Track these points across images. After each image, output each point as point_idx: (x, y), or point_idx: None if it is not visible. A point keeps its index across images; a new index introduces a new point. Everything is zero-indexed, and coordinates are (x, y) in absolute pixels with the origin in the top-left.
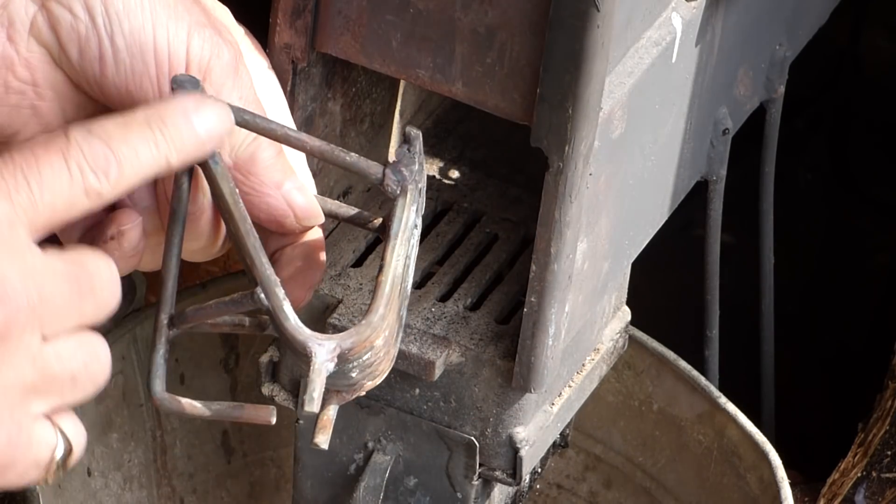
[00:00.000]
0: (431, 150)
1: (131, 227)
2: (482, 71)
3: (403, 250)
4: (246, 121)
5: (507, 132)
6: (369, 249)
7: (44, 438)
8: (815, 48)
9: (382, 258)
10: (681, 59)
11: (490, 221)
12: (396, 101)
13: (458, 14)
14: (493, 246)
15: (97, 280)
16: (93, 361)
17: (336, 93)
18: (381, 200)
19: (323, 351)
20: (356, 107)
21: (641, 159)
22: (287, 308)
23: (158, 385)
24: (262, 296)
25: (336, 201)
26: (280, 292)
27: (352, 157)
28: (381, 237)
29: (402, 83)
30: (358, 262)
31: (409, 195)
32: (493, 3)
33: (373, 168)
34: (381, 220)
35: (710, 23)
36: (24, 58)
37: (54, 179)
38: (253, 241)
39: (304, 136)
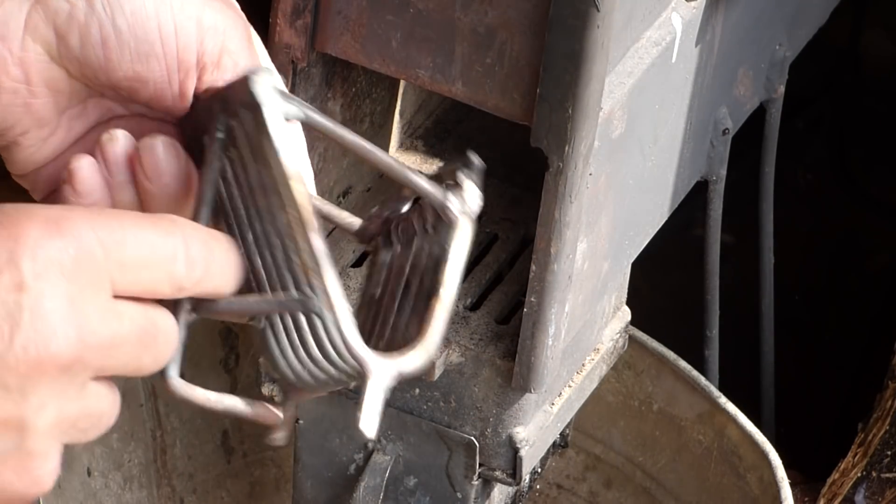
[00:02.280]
0: (431, 150)
1: (81, 168)
2: (482, 71)
3: (459, 279)
4: (312, 119)
5: (507, 132)
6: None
7: (54, 468)
8: (815, 48)
9: (438, 282)
10: (681, 59)
11: (490, 221)
12: (396, 101)
13: (458, 14)
14: (493, 246)
15: (161, 336)
16: (115, 406)
17: (336, 93)
18: (380, 201)
19: (384, 375)
20: (356, 107)
21: (641, 159)
22: (351, 323)
23: (173, 370)
24: (321, 306)
25: (337, 207)
26: (345, 306)
27: (416, 178)
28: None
29: (402, 83)
30: (358, 263)
31: (471, 224)
32: (493, 3)
33: (435, 192)
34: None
35: (710, 23)
36: (18, 57)
37: (152, 254)
38: (317, 242)
39: (372, 148)
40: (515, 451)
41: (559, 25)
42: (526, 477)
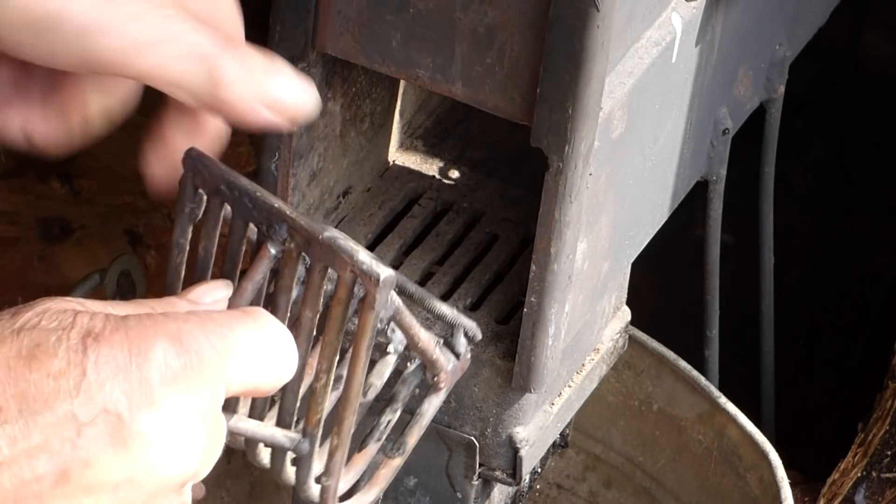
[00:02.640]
0: (431, 150)
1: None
2: (482, 71)
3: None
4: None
5: (507, 132)
6: (371, 247)
7: None
8: (815, 48)
9: (404, 441)
10: (681, 59)
11: (490, 221)
12: (396, 101)
13: (458, 14)
14: (493, 246)
15: None
16: None
17: (336, 93)
18: (380, 201)
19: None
20: (356, 107)
21: (641, 159)
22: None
23: None
24: (310, 456)
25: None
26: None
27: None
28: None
29: (402, 83)
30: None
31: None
32: (493, 3)
33: (439, 354)
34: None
35: (710, 23)
36: None
37: (260, 358)
38: (351, 420)
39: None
40: (515, 451)
41: (559, 25)
42: (526, 477)
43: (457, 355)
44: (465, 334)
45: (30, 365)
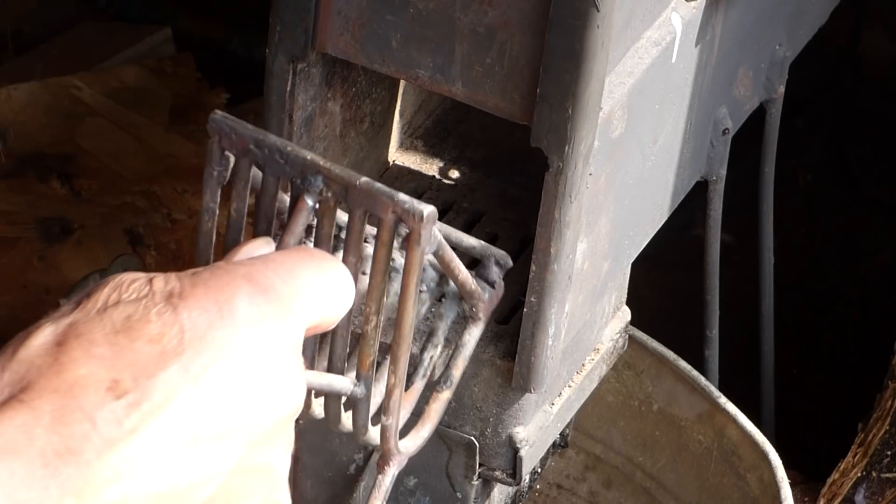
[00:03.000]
0: (431, 150)
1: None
2: (482, 71)
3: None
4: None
5: (507, 132)
6: None
7: None
8: (815, 48)
9: (450, 374)
10: (681, 59)
11: (490, 221)
12: (396, 101)
13: (457, 14)
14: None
15: None
16: None
17: (336, 93)
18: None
19: (399, 464)
20: (356, 107)
21: (641, 159)
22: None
23: None
24: (363, 399)
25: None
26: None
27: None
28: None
29: (402, 83)
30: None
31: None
32: (492, 3)
33: (474, 286)
34: None
35: (710, 23)
36: None
37: (328, 294)
38: (406, 356)
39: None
40: (515, 451)
41: (559, 25)
42: (526, 477)
43: (491, 284)
44: (497, 263)
45: (129, 335)
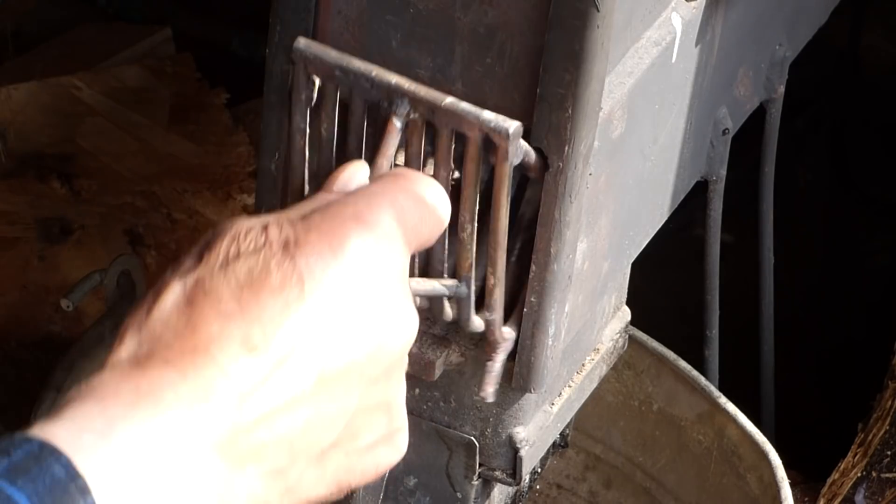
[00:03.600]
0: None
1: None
2: (482, 71)
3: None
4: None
5: None
6: None
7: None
8: (815, 48)
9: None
10: (681, 59)
11: None
12: None
13: (458, 14)
14: None
15: None
16: None
17: None
18: None
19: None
20: None
21: (641, 159)
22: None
23: None
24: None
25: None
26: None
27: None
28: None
29: None
30: None
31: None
32: (493, 3)
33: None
34: None
35: (710, 23)
36: None
37: (431, 215)
38: (504, 256)
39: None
40: (515, 451)
41: (559, 25)
42: (526, 477)
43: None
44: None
45: (252, 289)
